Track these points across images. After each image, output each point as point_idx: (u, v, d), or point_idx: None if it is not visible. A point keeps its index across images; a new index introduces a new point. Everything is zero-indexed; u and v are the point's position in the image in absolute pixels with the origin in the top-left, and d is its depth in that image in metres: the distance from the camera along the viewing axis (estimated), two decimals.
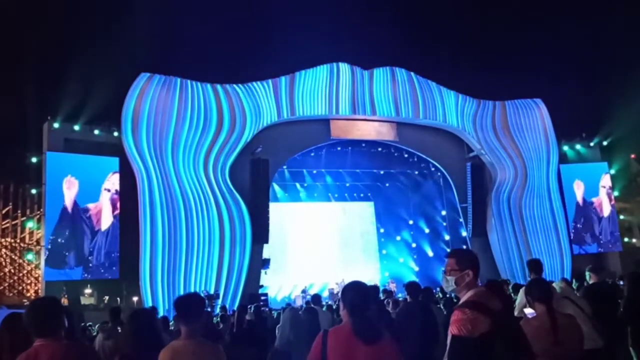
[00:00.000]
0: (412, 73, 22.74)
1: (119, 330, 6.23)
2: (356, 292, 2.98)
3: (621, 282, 10.34)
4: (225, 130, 19.43)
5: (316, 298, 8.62)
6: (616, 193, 25.35)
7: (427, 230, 25.49)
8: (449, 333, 2.83)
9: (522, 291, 5.92)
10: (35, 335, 2.90)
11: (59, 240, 17.64)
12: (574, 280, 7.81)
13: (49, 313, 2.96)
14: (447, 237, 24.46)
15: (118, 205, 18.72)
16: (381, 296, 8.96)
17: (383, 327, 2.93)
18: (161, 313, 16.12)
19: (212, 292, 17.44)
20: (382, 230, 26.29)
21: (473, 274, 2.92)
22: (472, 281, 2.93)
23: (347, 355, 2.77)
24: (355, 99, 21.52)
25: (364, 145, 22.67)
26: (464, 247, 22.83)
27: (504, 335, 2.66)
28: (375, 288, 8.04)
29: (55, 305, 3.03)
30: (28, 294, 21.45)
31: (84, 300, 19.37)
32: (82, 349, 3.26)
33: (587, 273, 6.58)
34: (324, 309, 8.98)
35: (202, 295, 16.50)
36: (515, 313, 5.37)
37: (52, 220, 17.68)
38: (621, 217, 25.44)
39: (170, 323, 10.46)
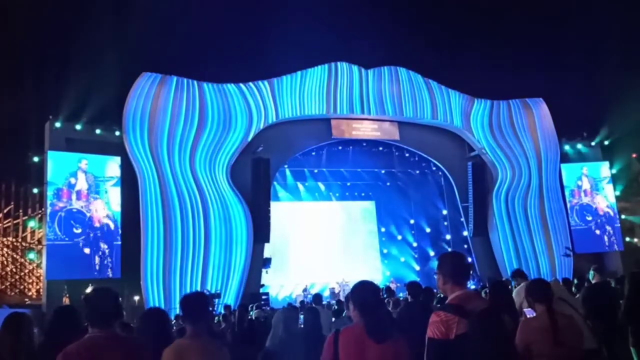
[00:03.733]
0: (412, 72, 22.76)
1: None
2: (367, 292, 2.99)
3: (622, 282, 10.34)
4: (226, 130, 19.45)
5: (317, 297, 8.64)
6: (617, 193, 25.32)
7: (428, 230, 25.49)
8: (426, 336, 2.87)
9: (518, 290, 5.94)
10: (91, 325, 2.88)
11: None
12: (575, 280, 7.82)
13: (108, 303, 2.94)
14: (448, 237, 24.46)
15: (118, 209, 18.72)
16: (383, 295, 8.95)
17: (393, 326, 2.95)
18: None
19: (213, 291, 17.47)
20: (383, 230, 26.28)
21: (443, 277, 3.05)
22: (448, 284, 3.03)
23: (358, 354, 2.78)
24: (356, 98, 21.54)
25: (364, 144, 22.69)
26: (465, 246, 22.92)
27: (484, 336, 2.69)
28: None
29: (113, 296, 3.02)
30: (29, 293, 21.53)
31: None
32: (135, 341, 3.22)
33: (590, 272, 6.58)
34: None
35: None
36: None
37: (57, 221, 17.68)
38: (622, 216, 25.40)
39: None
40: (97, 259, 18.12)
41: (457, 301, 2.90)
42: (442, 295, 9.28)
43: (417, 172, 24.44)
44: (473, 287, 17.96)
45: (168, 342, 3.19)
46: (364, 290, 2.99)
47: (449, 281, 3.02)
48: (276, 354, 5.19)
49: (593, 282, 6.54)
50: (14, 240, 22.01)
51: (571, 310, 4.55)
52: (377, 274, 24.66)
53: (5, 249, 21.68)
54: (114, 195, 18.57)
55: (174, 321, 10.56)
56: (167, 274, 17.57)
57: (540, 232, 22.64)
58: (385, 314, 2.91)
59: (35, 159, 19.01)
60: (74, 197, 17.93)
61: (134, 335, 4.11)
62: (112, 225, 18.39)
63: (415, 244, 26.03)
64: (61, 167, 17.97)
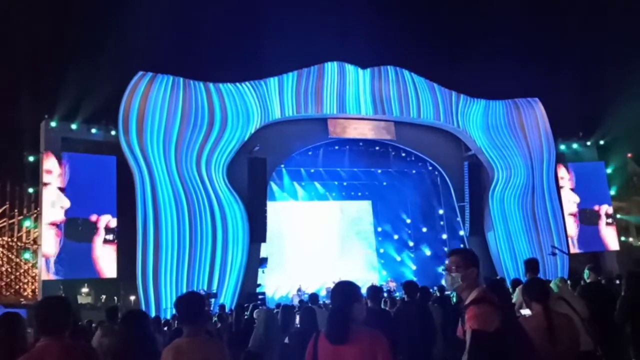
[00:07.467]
0: (409, 72, 22.77)
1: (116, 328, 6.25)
2: (333, 295, 3.02)
3: (617, 282, 10.37)
4: (223, 129, 19.40)
5: (313, 297, 8.63)
6: (613, 192, 25.41)
7: (424, 229, 25.50)
8: (467, 329, 2.84)
9: (518, 290, 5.95)
10: (41, 334, 2.90)
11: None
12: (569, 280, 7.82)
13: (58, 312, 2.96)
14: (444, 236, 24.48)
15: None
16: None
17: (362, 326, 2.88)
18: (159, 312, 16.12)
19: (209, 291, 17.42)
20: (379, 229, 26.30)
21: (477, 272, 2.99)
22: (475, 279, 2.98)
23: (333, 355, 2.80)
24: (353, 98, 21.53)
25: (361, 144, 22.68)
26: (462, 245, 22.92)
27: (511, 330, 2.71)
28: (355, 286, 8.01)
29: (63, 305, 3.05)
30: (25, 293, 21.40)
31: (81, 300, 19.36)
32: (86, 348, 3.27)
33: (586, 272, 6.58)
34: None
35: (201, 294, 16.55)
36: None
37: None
38: (618, 216, 25.50)
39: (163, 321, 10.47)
40: (101, 260, 18.06)
41: (488, 295, 2.87)
42: (438, 294, 9.29)
43: (414, 171, 24.45)
44: None
45: (150, 342, 3.25)
46: (332, 293, 3.04)
47: (477, 276, 3.01)
48: (258, 356, 5.20)
49: (588, 281, 6.53)
50: (9, 239, 21.89)
51: (569, 310, 4.55)
52: (373, 273, 24.67)
53: (0, 249, 21.57)
54: (110, 195, 18.50)
55: (170, 321, 10.53)
56: (162, 274, 17.51)
57: (535, 231, 22.69)
58: (358, 313, 2.87)
59: (31, 158, 18.91)
60: (71, 197, 17.86)
61: (83, 342, 4.20)
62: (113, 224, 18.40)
63: (411, 244, 26.04)
64: (58, 166, 17.87)
